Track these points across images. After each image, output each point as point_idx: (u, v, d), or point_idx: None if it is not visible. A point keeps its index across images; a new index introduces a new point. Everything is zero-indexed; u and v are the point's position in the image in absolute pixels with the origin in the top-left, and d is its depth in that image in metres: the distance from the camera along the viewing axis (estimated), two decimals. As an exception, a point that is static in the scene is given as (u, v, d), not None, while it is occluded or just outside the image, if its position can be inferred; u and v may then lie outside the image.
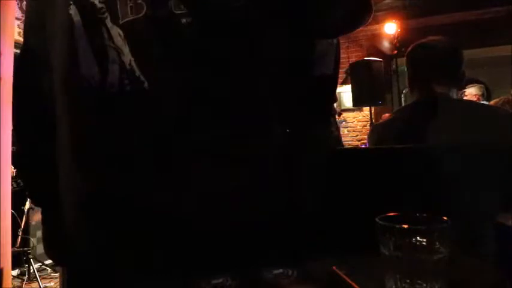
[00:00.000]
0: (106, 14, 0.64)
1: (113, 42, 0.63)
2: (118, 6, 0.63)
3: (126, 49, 0.63)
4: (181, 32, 0.62)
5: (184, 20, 0.62)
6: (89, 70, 0.64)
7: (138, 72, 0.62)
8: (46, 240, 0.80)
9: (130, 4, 0.63)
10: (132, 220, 0.62)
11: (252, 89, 0.65)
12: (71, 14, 0.65)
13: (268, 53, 0.66)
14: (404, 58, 1.62)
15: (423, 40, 1.58)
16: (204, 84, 0.62)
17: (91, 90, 0.63)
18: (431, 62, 1.50)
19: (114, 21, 0.63)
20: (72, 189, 0.67)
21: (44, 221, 0.80)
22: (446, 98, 1.45)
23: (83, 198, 0.66)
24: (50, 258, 0.80)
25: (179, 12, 0.62)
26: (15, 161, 0.82)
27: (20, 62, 0.78)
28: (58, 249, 0.77)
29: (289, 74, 0.68)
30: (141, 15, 0.62)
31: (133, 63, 0.62)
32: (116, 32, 0.63)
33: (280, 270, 0.58)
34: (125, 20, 0.63)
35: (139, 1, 0.62)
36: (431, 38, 1.57)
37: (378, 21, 5.66)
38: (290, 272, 0.58)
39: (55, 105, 0.70)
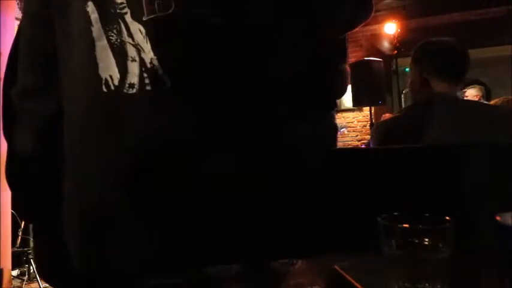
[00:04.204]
0: (126, 9, 0.61)
1: (133, 39, 0.60)
2: (144, 3, 0.60)
3: (147, 47, 0.60)
4: (210, 32, 0.61)
5: (213, 20, 0.60)
6: (107, 71, 0.61)
7: (161, 71, 0.59)
8: (42, 261, 0.76)
9: (158, 1, 0.60)
10: (144, 229, 0.61)
11: (275, 89, 0.64)
12: (88, 11, 0.62)
13: (286, 52, 0.66)
14: (407, 58, 1.63)
15: (431, 39, 1.58)
16: (230, 86, 0.61)
17: (108, 93, 0.61)
18: (440, 61, 1.51)
19: (136, 17, 0.61)
20: (79, 197, 0.65)
21: (39, 241, 0.76)
22: (452, 98, 1.46)
23: (92, 207, 0.63)
24: (42, 279, 0.78)
25: (209, 11, 0.60)
26: (7, 170, 0.76)
27: (20, 60, 0.73)
28: (54, 271, 0.74)
29: (296, 68, 0.68)
30: (168, 12, 0.60)
31: (155, 62, 0.60)
32: (136, 28, 0.61)
33: (285, 260, 0.59)
34: (150, 16, 0.60)
35: None
36: (438, 38, 1.58)
37: (378, 21, 5.66)
38: (295, 261, 0.59)
39: (65, 109, 0.67)
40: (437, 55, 1.53)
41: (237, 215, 0.61)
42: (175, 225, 0.60)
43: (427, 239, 0.45)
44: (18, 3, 3.59)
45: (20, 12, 3.67)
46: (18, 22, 3.51)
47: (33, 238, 0.77)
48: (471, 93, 3.42)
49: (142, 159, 0.60)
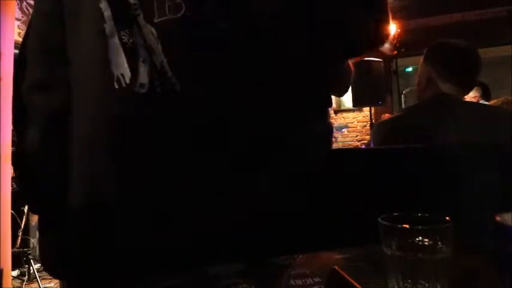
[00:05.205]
0: (139, 11, 0.62)
1: (145, 40, 0.61)
2: (155, 5, 0.61)
3: (158, 49, 0.61)
4: (218, 36, 0.61)
5: (222, 24, 0.61)
6: (119, 69, 0.62)
7: (170, 74, 0.60)
8: (46, 253, 0.77)
9: (169, 3, 0.61)
10: (146, 224, 0.61)
11: (277, 89, 0.65)
12: (101, 7, 0.63)
13: (289, 53, 0.66)
14: (407, 58, 1.62)
15: (445, 40, 1.57)
16: (237, 88, 0.62)
17: (120, 90, 0.62)
18: (450, 62, 1.50)
19: (148, 19, 0.62)
20: (85, 192, 0.65)
21: (44, 233, 0.77)
22: (456, 99, 1.46)
23: (96, 202, 0.64)
24: (49, 273, 0.79)
25: (218, 15, 0.61)
26: (16, 162, 0.79)
27: (28, 56, 0.74)
28: (58, 263, 0.75)
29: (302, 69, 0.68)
30: (179, 15, 0.61)
31: (165, 64, 0.61)
32: (149, 30, 0.61)
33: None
34: (161, 19, 0.61)
35: (178, 1, 0.61)
36: (452, 39, 1.57)
37: (378, 21, 5.65)
38: (295, 256, 0.59)
39: (73, 103, 0.68)
40: (448, 56, 1.52)
41: (238, 215, 0.61)
42: (178, 225, 0.60)
43: (427, 239, 0.45)
44: (18, 3, 3.58)
45: (20, 12, 3.67)
46: (18, 22, 3.51)
47: (38, 231, 0.78)
48: (469, 95, 3.41)
49: (149, 159, 0.61)
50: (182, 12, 0.61)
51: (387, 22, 0.73)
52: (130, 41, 0.62)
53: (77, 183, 0.67)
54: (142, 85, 0.61)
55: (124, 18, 0.63)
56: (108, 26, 0.63)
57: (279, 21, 0.64)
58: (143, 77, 0.61)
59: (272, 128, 0.65)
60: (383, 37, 0.74)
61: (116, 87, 0.62)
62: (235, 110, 0.62)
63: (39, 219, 0.78)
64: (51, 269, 0.79)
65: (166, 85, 0.60)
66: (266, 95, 0.64)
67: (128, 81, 0.61)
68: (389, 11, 0.74)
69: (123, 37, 0.62)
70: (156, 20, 0.61)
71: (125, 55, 0.62)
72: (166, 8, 0.61)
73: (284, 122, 0.66)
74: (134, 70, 0.62)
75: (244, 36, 0.63)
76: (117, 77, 0.62)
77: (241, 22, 0.63)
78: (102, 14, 0.63)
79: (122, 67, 0.62)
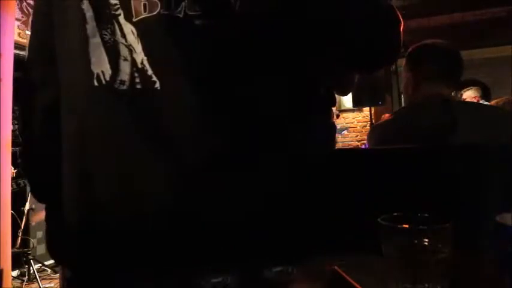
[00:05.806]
0: (119, 11, 0.63)
1: (126, 39, 0.63)
2: (132, 3, 0.62)
3: (138, 47, 0.62)
4: (194, 34, 0.61)
5: (197, 22, 0.61)
6: (99, 67, 0.63)
7: (150, 72, 0.61)
8: (48, 238, 0.80)
9: (144, 2, 0.62)
10: (134, 220, 0.62)
11: (266, 90, 0.64)
12: (83, 8, 0.65)
13: (279, 52, 0.65)
14: (405, 58, 1.61)
15: (426, 41, 1.58)
16: (216, 87, 0.62)
17: (100, 87, 0.63)
18: (435, 63, 1.50)
19: (128, 18, 0.63)
20: (75, 188, 0.66)
21: (48, 218, 0.79)
22: (447, 99, 1.46)
23: (85, 199, 0.65)
24: (51, 257, 0.81)
25: (193, 13, 0.61)
26: (20, 156, 0.83)
27: (28, 55, 0.77)
28: (60, 248, 0.77)
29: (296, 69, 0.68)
30: (154, 13, 0.61)
31: (145, 62, 0.61)
32: (129, 29, 0.63)
33: (280, 268, 0.58)
34: (139, 17, 0.62)
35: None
36: (432, 40, 1.58)
37: (378, 21, 5.63)
38: (290, 270, 0.58)
39: (61, 101, 0.69)
40: (432, 57, 1.53)
41: (237, 215, 0.61)
42: (170, 225, 0.60)
43: (426, 240, 0.45)
44: (18, 3, 3.59)
45: (20, 12, 3.68)
46: (18, 22, 3.51)
47: (45, 219, 0.80)
48: (469, 95, 3.41)
49: (134, 155, 0.61)
50: (158, 10, 0.61)
51: (393, 26, 0.71)
52: (112, 39, 0.63)
53: (70, 180, 0.67)
54: (122, 82, 0.62)
55: (105, 18, 0.64)
56: (90, 26, 0.64)
57: (262, 17, 0.63)
58: (124, 74, 0.62)
59: (268, 127, 0.64)
60: (391, 44, 0.72)
61: (96, 84, 0.63)
62: (222, 108, 0.62)
63: (46, 208, 0.80)
64: (54, 254, 0.80)
65: (146, 83, 0.61)
66: (256, 91, 0.63)
67: (107, 78, 0.62)
68: (397, 14, 0.71)
69: (105, 36, 0.64)
70: (134, 19, 0.62)
71: (106, 53, 0.63)
72: (142, 7, 0.62)
73: (281, 121, 0.65)
74: (115, 68, 0.62)
75: (225, 32, 0.62)
76: (97, 74, 0.63)
77: (221, 19, 0.62)
78: (84, 14, 0.65)
79: (102, 65, 0.63)
